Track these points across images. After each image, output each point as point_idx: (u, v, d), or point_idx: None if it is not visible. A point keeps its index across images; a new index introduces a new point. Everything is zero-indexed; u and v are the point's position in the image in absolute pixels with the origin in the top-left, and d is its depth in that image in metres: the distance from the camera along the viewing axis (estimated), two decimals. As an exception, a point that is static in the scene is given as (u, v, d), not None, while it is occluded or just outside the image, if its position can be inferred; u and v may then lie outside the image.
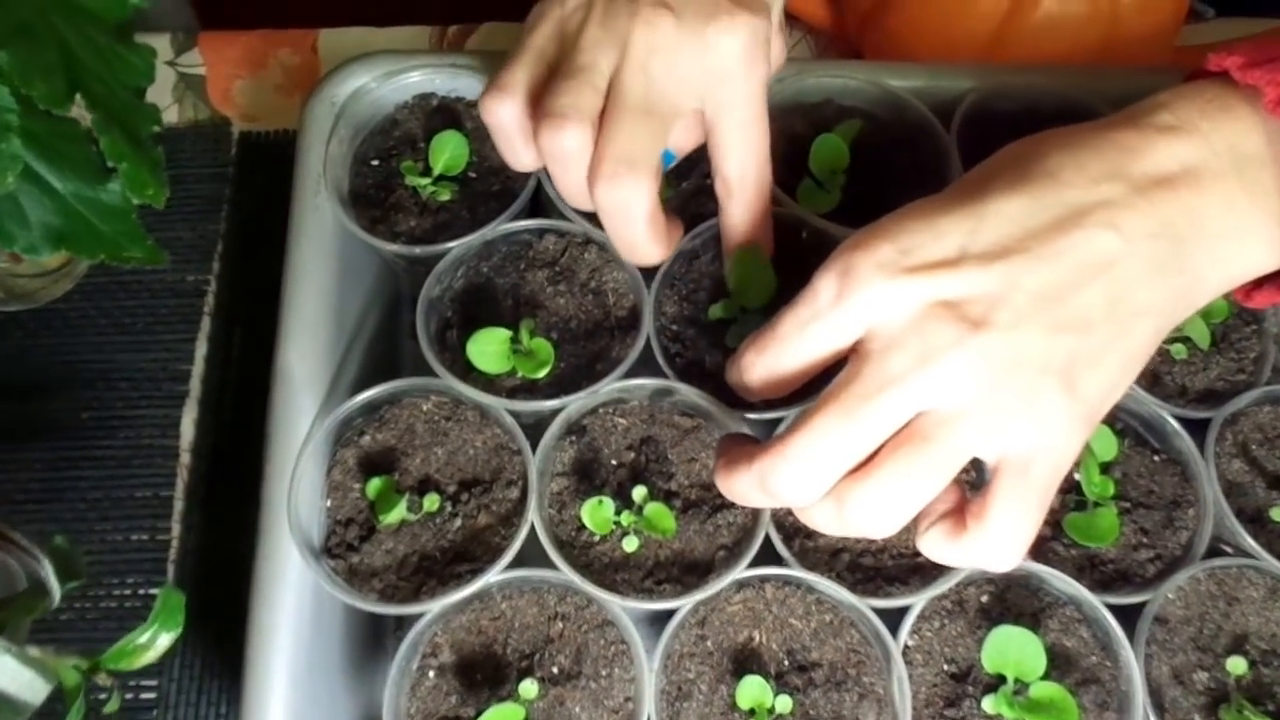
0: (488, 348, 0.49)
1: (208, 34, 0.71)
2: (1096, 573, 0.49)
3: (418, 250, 0.51)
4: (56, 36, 0.39)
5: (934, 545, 0.38)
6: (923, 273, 0.36)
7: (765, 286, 0.50)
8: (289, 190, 0.64)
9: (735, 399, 0.49)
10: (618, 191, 0.44)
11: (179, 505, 0.59)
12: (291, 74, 0.70)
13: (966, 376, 0.35)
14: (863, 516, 0.36)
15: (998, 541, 0.36)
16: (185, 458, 0.60)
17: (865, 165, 0.55)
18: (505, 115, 0.46)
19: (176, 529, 0.59)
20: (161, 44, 0.70)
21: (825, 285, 0.38)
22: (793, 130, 0.56)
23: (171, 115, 0.69)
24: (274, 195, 0.67)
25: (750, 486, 0.38)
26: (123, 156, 0.38)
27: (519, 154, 0.47)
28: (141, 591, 0.58)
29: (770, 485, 0.37)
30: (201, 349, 0.63)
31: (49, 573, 0.37)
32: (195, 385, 0.62)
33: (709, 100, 0.46)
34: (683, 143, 0.49)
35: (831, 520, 0.37)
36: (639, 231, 0.46)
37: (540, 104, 0.45)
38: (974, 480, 0.48)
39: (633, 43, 0.44)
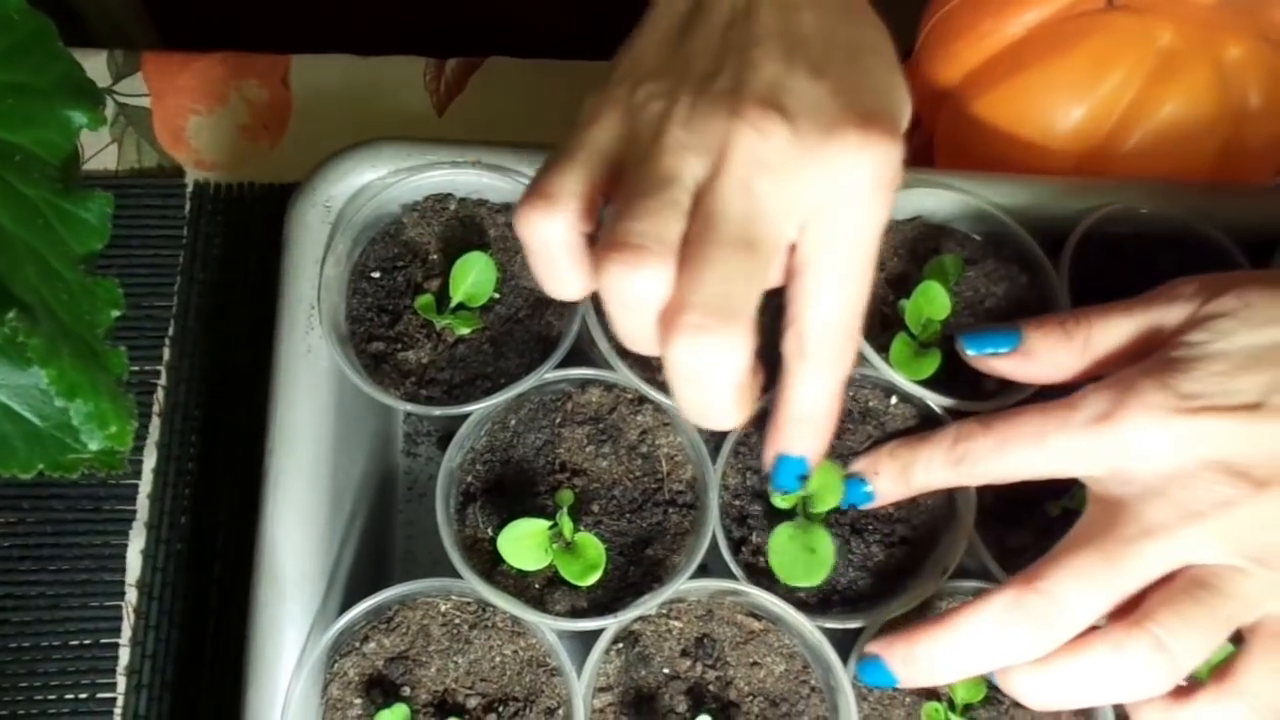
0: (523, 542, 0.40)
1: (154, 54, 0.58)
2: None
3: (436, 412, 0.42)
4: (-23, 204, 0.29)
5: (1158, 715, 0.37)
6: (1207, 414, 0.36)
7: (829, 488, 0.42)
8: (258, 287, 0.53)
9: (813, 605, 0.42)
10: (705, 349, 0.33)
11: (124, 655, 0.50)
12: (259, 112, 0.58)
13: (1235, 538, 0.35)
14: (1144, 670, 0.36)
15: (1249, 707, 0.36)
16: (131, 596, 0.51)
17: (961, 309, 0.47)
18: (550, 234, 0.35)
19: (122, 683, 0.50)
20: (97, 65, 0.58)
21: (1093, 399, 0.38)
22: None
23: (109, 159, 0.57)
24: (238, 265, 0.56)
25: (989, 632, 0.37)
26: (76, 390, 0.28)
27: (563, 282, 0.36)
28: (80, 764, 0.48)
29: (1016, 627, 0.36)
30: (150, 460, 0.53)
31: None
32: (144, 506, 0.52)
33: (809, 234, 0.35)
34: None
35: (1105, 668, 0.36)
36: (722, 397, 0.35)
37: (607, 226, 0.34)
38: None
39: (734, 151, 0.33)
